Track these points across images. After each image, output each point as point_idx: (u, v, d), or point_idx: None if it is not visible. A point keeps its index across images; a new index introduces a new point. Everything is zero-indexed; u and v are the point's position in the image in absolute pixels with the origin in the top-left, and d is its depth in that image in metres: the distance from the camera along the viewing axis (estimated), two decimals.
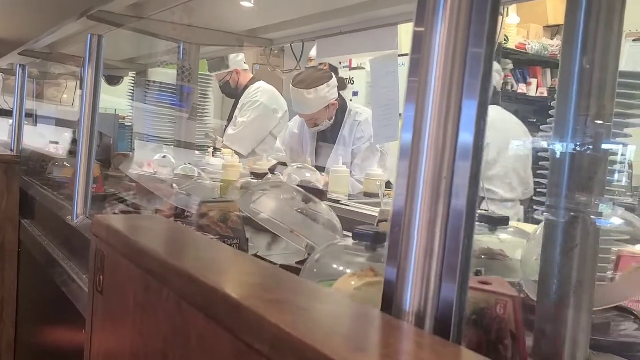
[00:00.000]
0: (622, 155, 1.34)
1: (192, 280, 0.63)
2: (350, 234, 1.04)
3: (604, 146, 0.81)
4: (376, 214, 1.83)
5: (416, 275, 0.57)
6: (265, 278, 0.70)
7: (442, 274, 0.56)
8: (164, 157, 2.06)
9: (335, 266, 1.02)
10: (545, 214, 0.79)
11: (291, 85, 2.99)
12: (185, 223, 1.49)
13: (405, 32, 1.77)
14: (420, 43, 0.59)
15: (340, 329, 0.52)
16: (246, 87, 3.73)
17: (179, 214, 1.62)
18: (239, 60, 3.62)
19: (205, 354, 0.61)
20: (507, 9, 4.74)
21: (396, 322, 0.53)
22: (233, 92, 3.75)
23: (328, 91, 2.95)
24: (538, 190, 1.15)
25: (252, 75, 3.80)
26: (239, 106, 3.73)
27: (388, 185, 2.41)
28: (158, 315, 0.72)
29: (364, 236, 1.00)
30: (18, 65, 2.97)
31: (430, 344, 0.48)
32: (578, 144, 0.77)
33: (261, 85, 3.72)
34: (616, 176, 1.34)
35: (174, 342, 0.68)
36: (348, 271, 0.94)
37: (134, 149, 2.99)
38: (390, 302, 0.57)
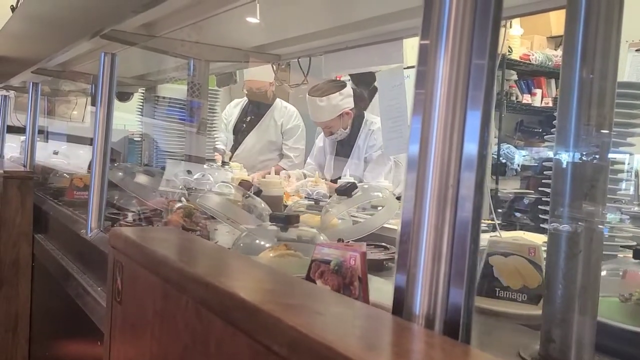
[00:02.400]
0: (629, 164, 1.36)
1: (210, 286, 0.66)
2: None
3: (605, 154, 0.83)
4: (385, 225, 1.84)
5: (425, 280, 0.59)
6: (277, 284, 0.73)
7: (450, 279, 0.59)
8: (203, 175, 2.22)
9: (257, 242, 1.30)
10: (549, 220, 0.82)
11: (307, 95, 3.06)
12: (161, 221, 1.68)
13: (411, 46, 1.80)
14: (425, 55, 0.62)
15: (354, 330, 0.54)
16: (270, 102, 3.71)
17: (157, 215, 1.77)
18: (271, 72, 3.62)
19: (225, 358, 0.63)
20: (511, 20, 4.78)
21: (407, 324, 0.55)
22: (261, 105, 3.72)
23: (341, 99, 3.01)
24: (543, 199, 1.17)
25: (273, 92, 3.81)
26: (280, 128, 3.71)
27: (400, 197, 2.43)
28: (177, 322, 0.75)
29: (278, 219, 1.31)
30: (31, 83, 3.03)
31: (440, 344, 0.51)
32: (579, 152, 0.79)
33: (294, 109, 3.76)
34: (623, 185, 1.36)
35: (194, 349, 0.71)
36: (267, 246, 1.24)
37: (144, 164, 3.04)
38: (400, 306, 0.60)
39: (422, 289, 0.59)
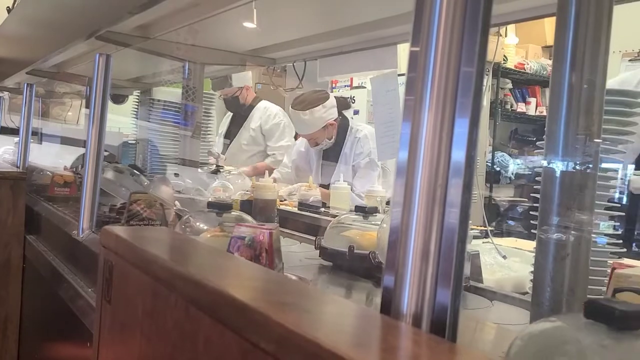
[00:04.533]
0: (619, 172, 1.37)
1: (200, 284, 0.66)
2: None
3: (595, 161, 0.84)
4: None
5: (413, 280, 0.60)
6: (267, 282, 0.74)
7: (437, 279, 0.59)
8: (222, 184, 2.29)
9: (197, 224, 1.51)
10: (538, 224, 0.83)
11: (290, 108, 3.06)
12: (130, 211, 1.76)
13: (405, 51, 1.81)
14: (416, 62, 0.63)
15: (342, 328, 0.55)
16: (251, 105, 3.80)
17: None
18: (248, 77, 3.71)
19: (213, 355, 0.64)
20: (506, 29, 4.81)
21: (394, 322, 0.56)
22: (240, 108, 3.81)
23: (324, 112, 3.00)
24: (534, 205, 1.18)
25: (255, 94, 3.88)
26: (260, 129, 3.78)
27: (389, 202, 2.45)
28: (166, 321, 0.75)
29: (215, 206, 1.52)
30: (25, 84, 3.03)
31: (426, 341, 0.51)
32: (568, 159, 0.80)
33: (277, 108, 3.82)
34: (613, 193, 1.38)
35: (182, 347, 0.71)
36: (205, 228, 1.45)
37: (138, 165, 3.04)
38: (388, 305, 0.60)
39: (410, 289, 0.60)
